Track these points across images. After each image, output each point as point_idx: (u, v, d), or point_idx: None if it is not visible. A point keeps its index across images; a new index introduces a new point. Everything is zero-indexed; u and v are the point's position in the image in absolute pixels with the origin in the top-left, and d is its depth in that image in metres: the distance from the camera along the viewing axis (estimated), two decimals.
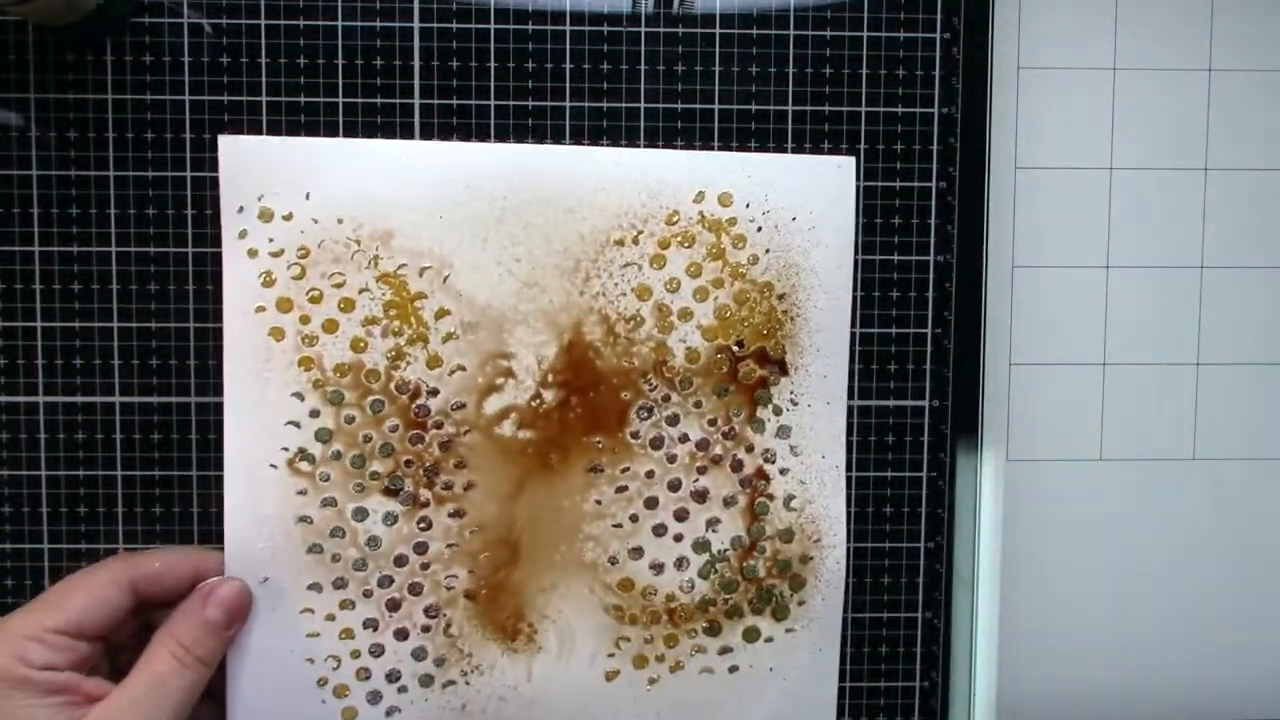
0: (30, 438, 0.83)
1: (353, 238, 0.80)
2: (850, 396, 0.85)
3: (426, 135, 0.82)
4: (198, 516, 0.84)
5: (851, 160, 0.82)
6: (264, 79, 0.82)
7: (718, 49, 0.83)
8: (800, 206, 0.82)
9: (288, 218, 0.80)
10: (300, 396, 0.81)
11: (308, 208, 0.80)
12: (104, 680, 0.74)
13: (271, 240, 0.80)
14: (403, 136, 0.82)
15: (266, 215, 0.80)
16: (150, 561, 0.78)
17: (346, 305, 0.81)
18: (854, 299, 0.84)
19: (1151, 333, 0.88)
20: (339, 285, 0.81)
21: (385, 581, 0.82)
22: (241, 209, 0.80)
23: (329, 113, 0.82)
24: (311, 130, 0.82)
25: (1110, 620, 0.88)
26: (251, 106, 0.82)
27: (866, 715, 0.88)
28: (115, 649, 0.78)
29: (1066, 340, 0.88)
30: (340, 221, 0.80)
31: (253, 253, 0.80)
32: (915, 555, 0.87)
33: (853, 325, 0.84)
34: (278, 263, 0.80)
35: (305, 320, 0.81)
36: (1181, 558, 0.89)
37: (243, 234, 0.80)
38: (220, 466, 0.83)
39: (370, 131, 0.82)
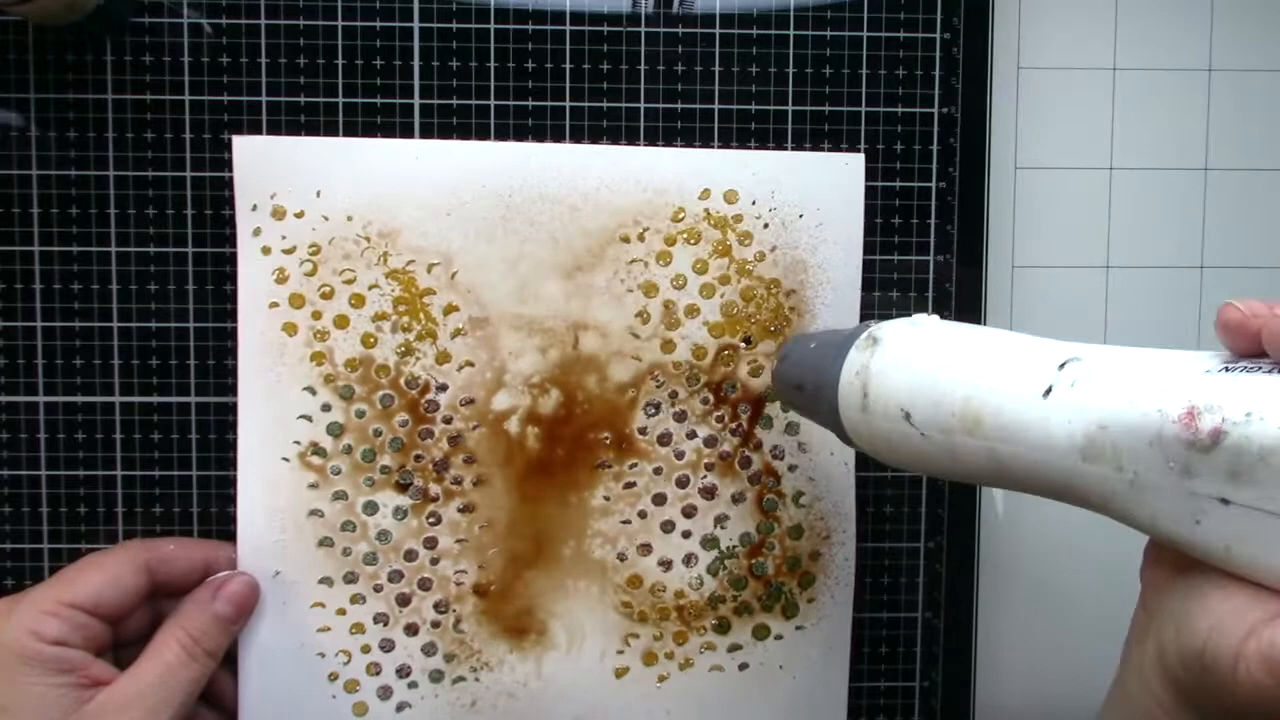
0: (30, 438, 0.82)
1: (362, 235, 0.81)
2: None
3: (427, 135, 0.82)
4: (198, 516, 0.83)
5: (860, 157, 0.82)
6: (264, 79, 0.81)
7: (718, 49, 0.83)
8: (807, 203, 0.82)
9: (300, 215, 0.80)
10: (312, 391, 0.81)
11: (319, 205, 0.81)
12: (111, 666, 0.74)
13: (284, 237, 0.81)
14: (403, 136, 0.82)
15: (279, 213, 0.80)
16: (165, 544, 0.79)
17: (357, 301, 0.81)
18: (862, 296, 0.84)
19: (1151, 332, 0.89)
20: (350, 281, 0.81)
21: (395, 576, 0.82)
22: (255, 207, 0.80)
23: (329, 113, 0.82)
24: (312, 130, 0.82)
25: (1111, 619, 0.87)
26: (252, 107, 0.82)
27: (866, 715, 0.88)
28: (120, 642, 0.78)
29: (1067, 340, 0.88)
30: (350, 219, 0.81)
31: (266, 250, 0.80)
32: (915, 555, 0.87)
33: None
34: (290, 259, 0.81)
35: (317, 316, 0.81)
36: None
37: (257, 231, 0.80)
38: (221, 465, 0.83)
39: (370, 131, 0.82)
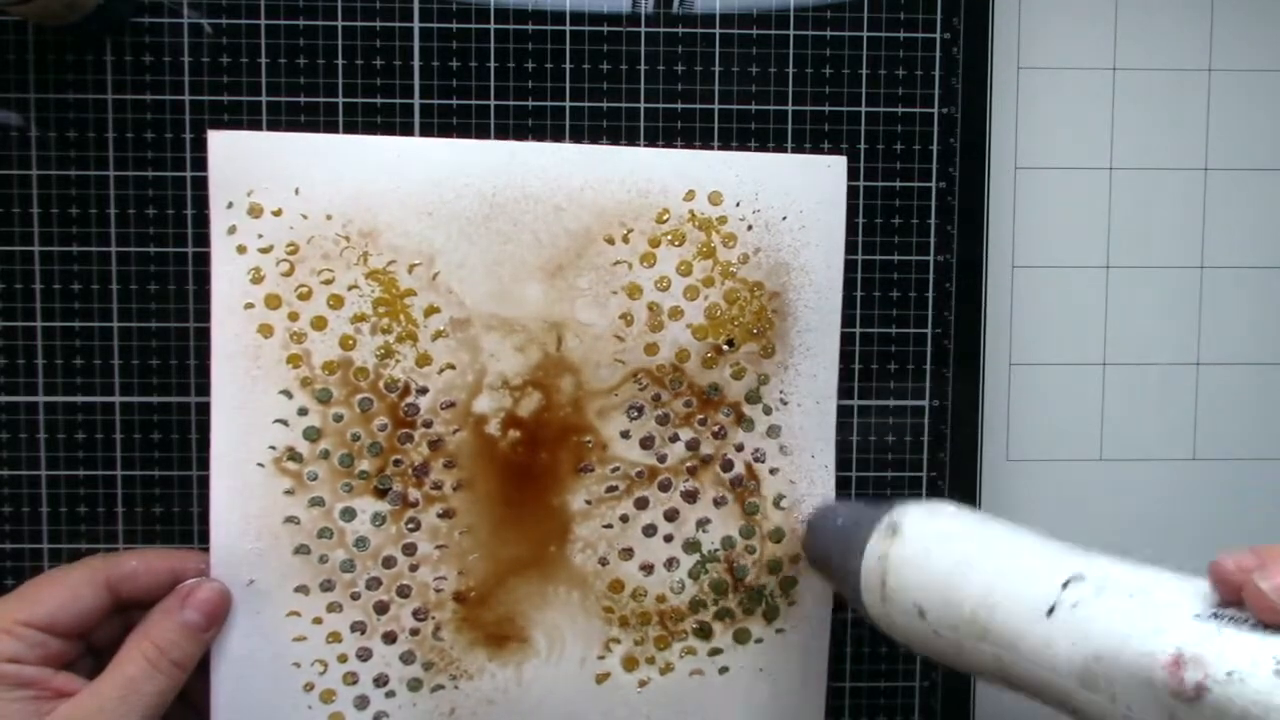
0: (30, 438, 0.83)
1: (341, 234, 0.80)
2: (850, 397, 0.85)
3: (426, 135, 0.82)
4: (197, 516, 0.84)
5: (842, 160, 0.82)
6: (264, 79, 0.82)
7: (718, 49, 0.83)
8: (790, 206, 0.82)
9: (277, 213, 0.80)
10: (288, 394, 0.80)
11: (297, 204, 0.80)
12: (76, 676, 0.73)
13: (260, 236, 0.80)
14: (403, 136, 0.82)
15: (256, 211, 0.79)
16: (128, 560, 0.77)
17: (335, 302, 0.80)
18: (845, 298, 0.84)
19: (1151, 333, 0.88)
20: (328, 282, 0.80)
21: (373, 584, 0.82)
22: (231, 204, 0.79)
23: (329, 113, 0.82)
24: (312, 130, 0.82)
25: None
26: (251, 107, 0.82)
27: (867, 715, 0.88)
28: (98, 649, 0.77)
29: (1066, 340, 0.88)
30: (329, 218, 0.80)
31: (241, 249, 0.80)
32: None
33: (852, 325, 0.84)
34: (266, 259, 0.80)
35: (294, 317, 0.80)
36: (1182, 558, 0.88)
37: (231, 230, 0.79)
38: None
39: (370, 131, 0.82)
